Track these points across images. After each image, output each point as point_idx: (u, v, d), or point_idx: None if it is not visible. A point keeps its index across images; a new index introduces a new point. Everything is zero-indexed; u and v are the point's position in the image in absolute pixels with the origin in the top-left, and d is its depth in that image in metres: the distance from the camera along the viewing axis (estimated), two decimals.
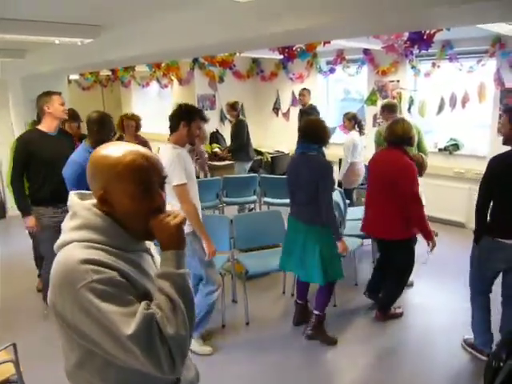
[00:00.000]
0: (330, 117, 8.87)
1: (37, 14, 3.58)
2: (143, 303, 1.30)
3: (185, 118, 3.41)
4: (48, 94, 3.97)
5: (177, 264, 1.37)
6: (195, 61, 8.56)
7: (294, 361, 3.72)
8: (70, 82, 9.04)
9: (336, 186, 5.78)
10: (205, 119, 3.54)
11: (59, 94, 4.02)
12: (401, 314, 4.31)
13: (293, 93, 9.07)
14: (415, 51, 6.78)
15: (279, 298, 4.72)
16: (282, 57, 6.98)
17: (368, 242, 5.27)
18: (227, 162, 8.15)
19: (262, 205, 6.78)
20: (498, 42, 6.11)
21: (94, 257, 1.29)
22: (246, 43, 3.68)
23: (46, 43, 4.60)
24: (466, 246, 3.48)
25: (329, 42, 4.66)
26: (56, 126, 4.05)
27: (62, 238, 1.40)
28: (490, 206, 3.34)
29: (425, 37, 3.72)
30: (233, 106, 7.23)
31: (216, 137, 9.19)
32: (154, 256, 1.59)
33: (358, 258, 5.28)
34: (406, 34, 4.02)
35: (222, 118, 9.50)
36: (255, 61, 9.51)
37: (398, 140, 3.88)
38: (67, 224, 1.42)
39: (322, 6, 2.57)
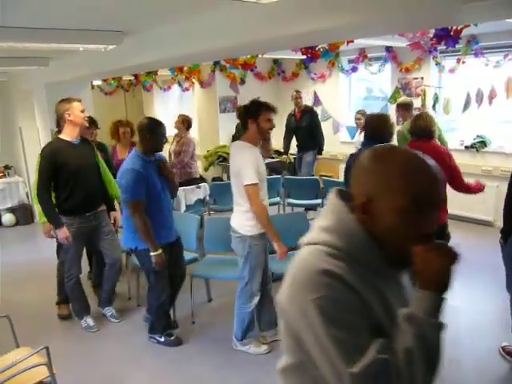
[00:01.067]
0: (352, 116, 8.80)
1: (61, 22, 3.61)
2: (378, 343, 1.10)
3: (251, 115, 3.37)
4: (68, 100, 3.88)
5: (432, 310, 1.14)
6: (216, 63, 8.58)
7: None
8: (92, 87, 9.13)
9: None
10: (272, 109, 3.39)
11: (79, 100, 3.97)
12: None
13: (315, 93, 9.02)
14: (440, 47, 6.76)
15: None
16: (303, 57, 6.96)
17: None
18: None
19: (286, 206, 6.73)
20: None
21: (335, 270, 1.13)
22: (268, 45, 3.66)
23: (69, 50, 4.65)
24: (495, 245, 3.39)
25: (352, 41, 4.60)
26: (78, 134, 3.96)
27: (310, 234, 1.26)
28: None
29: (452, 33, 3.64)
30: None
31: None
32: (405, 287, 1.34)
33: None
34: (432, 31, 3.95)
35: None
36: (276, 61, 9.49)
37: (422, 132, 3.93)
38: (319, 221, 1.27)
39: (346, 4, 2.54)
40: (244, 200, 3.38)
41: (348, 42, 4.58)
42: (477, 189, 4.09)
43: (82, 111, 3.88)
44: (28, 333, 3.69)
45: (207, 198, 6.30)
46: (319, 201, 6.28)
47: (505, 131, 6.83)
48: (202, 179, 6.61)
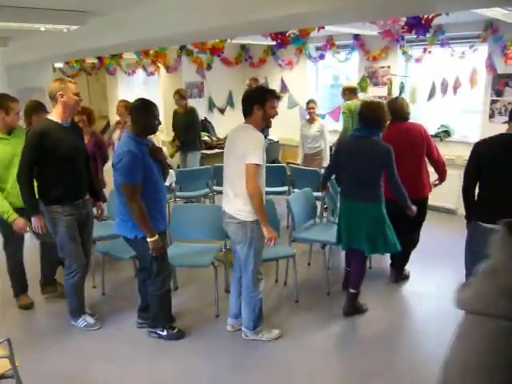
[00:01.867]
0: (320, 104, 8.81)
1: (22, 1, 3.44)
2: None
3: (257, 101, 3.35)
4: (62, 80, 3.61)
5: None
6: (182, 48, 8.42)
7: (284, 347, 3.69)
8: (54, 70, 8.85)
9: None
10: (278, 97, 3.45)
11: (74, 82, 3.69)
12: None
13: (282, 80, 8.99)
14: (407, 36, 6.81)
15: (272, 287, 4.68)
16: (270, 43, 6.90)
17: None
18: (217, 151, 8.07)
19: None
20: (490, 26, 6.07)
21: None
22: (238, 29, 3.59)
23: (30, 30, 4.46)
24: (458, 233, 3.48)
25: (323, 27, 4.57)
26: (68, 117, 3.69)
27: (475, 293, 1.02)
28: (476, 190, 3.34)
29: (423, 21, 3.65)
30: (182, 95, 7.04)
31: (205, 125, 9.09)
32: None
33: None
34: (403, 19, 3.96)
35: (211, 106, 9.39)
36: (244, 47, 9.39)
37: (399, 114, 4.31)
38: (488, 271, 1.01)
39: None
40: (240, 180, 3.34)
41: (319, 29, 4.55)
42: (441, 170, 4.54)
43: (77, 94, 3.63)
44: None
45: (173, 184, 6.20)
46: (285, 188, 6.30)
47: (468, 121, 6.96)
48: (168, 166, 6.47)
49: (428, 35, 6.52)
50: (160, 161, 3.56)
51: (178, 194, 6.34)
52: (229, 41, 6.95)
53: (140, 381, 3.38)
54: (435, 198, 6.74)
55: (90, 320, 4.01)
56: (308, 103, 6.70)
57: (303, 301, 4.39)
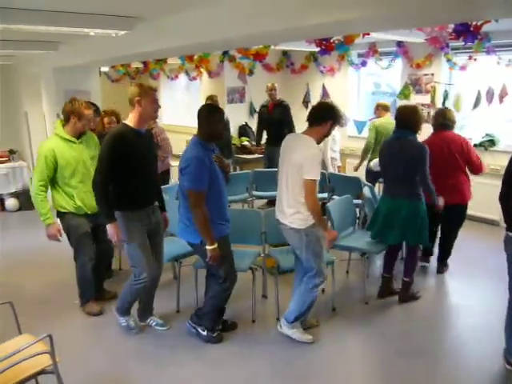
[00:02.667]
0: (361, 110, 8.75)
1: (72, 6, 3.55)
2: None
3: (333, 118, 3.49)
4: (142, 86, 3.54)
5: None
6: (225, 53, 8.51)
7: (321, 355, 3.66)
8: (100, 74, 9.08)
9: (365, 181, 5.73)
10: (341, 124, 3.65)
11: (155, 89, 3.69)
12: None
13: (323, 86, 8.95)
14: (451, 44, 6.68)
15: None
16: (313, 49, 6.90)
17: None
18: (256, 156, 8.10)
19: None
20: None
21: None
22: (282, 36, 3.60)
23: (79, 35, 4.59)
24: (501, 245, 3.36)
25: (368, 34, 4.53)
26: (144, 123, 3.64)
27: None
28: None
29: (471, 28, 3.57)
30: (214, 101, 7.10)
31: (245, 130, 9.15)
32: None
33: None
34: (451, 26, 3.88)
35: (252, 112, 9.44)
36: (285, 53, 9.42)
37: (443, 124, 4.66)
38: None
39: None
40: (298, 193, 3.43)
41: (364, 35, 4.51)
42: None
43: (156, 101, 3.57)
44: (31, 320, 3.69)
45: None
46: (325, 194, 6.20)
47: None
48: None
49: (473, 43, 6.42)
50: (223, 168, 3.58)
51: None
52: (271, 47, 6.98)
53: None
54: (478, 208, 6.60)
55: (132, 323, 4.01)
56: None
57: (340, 309, 4.35)
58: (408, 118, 4.12)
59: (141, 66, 10.77)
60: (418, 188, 4.15)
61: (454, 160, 4.64)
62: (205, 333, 3.82)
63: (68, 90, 6.30)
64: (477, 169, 4.75)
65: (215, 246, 3.43)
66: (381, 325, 4.12)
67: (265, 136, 7.52)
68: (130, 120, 3.56)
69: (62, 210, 4.10)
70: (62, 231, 4.12)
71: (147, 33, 4.08)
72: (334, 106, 3.60)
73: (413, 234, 4.21)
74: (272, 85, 7.23)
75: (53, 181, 4.03)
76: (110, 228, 3.58)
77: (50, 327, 2.89)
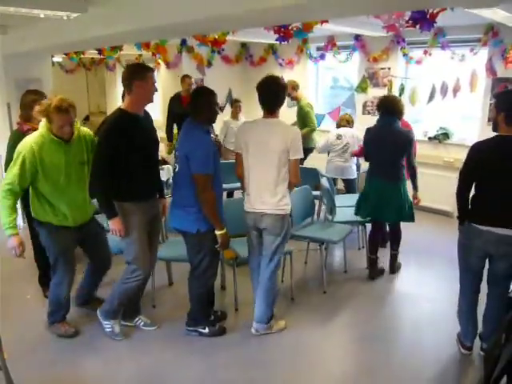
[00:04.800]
0: (320, 104, 8.80)
1: None
2: None
3: (283, 99, 3.56)
4: (142, 68, 3.32)
5: None
6: (183, 44, 8.39)
7: (282, 345, 3.66)
8: (53, 64, 8.79)
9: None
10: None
11: (152, 70, 3.43)
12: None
13: (282, 78, 8.93)
14: (407, 38, 6.81)
15: None
16: (272, 41, 6.86)
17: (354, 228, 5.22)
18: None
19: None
20: (491, 30, 6.07)
21: None
22: (242, 19, 3.54)
23: (30, 18, 4.41)
24: (454, 235, 3.44)
25: (326, 21, 4.54)
26: (143, 108, 3.39)
27: None
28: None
29: (428, 16, 3.63)
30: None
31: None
32: None
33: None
34: (408, 14, 3.94)
35: None
36: (244, 45, 9.37)
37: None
38: None
39: None
40: (282, 178, 3.43)
41: (322, 22, 4.52)
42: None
43: (153, 84, 3.34)
44: None
45: (170, 180, 6.15)
46: None
47: (467, 124, 6.96)
48: (164, 162, 6.44)
49: (428, 37, 6.56)
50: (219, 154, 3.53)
51: None
52: (229, 38, 6.90)
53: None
54: (431, 199, 6.75)
55: (117, 329, 3.71)
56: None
57: (299, 299, 4.35)
58: (393, 107, 4.49)
59: (96, 56, 10.49)
60: (402, 170, 4.56)
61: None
62: (206, 330, 3.73)
63: (18, 79, 6.07)
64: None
65: (224, 230, 3.39)
66: (339, 313, 4.16)
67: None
68: (126, 105, 3.31)
69: (41, 220, 3.49)
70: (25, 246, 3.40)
71: (100, 16, 3.94)
72: (282, 84, 3.58)
73: (403, 212, 4.61)
74: (190, 78, 7.11)
75: (33, 185, 3.40)
76: (112, 223, 3.33)
77: None
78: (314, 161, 6.58)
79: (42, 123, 3.35)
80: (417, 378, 3.28)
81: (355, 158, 6.06)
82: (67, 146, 3.37)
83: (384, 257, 5.02)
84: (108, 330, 3.70)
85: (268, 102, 3.49)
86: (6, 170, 4.30)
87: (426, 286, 4.70)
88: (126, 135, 3.23)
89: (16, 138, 3.93)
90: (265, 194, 3.48)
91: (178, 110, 6.94)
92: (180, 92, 7.13)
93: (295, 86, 6.61)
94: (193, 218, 3.36)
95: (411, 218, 4.70)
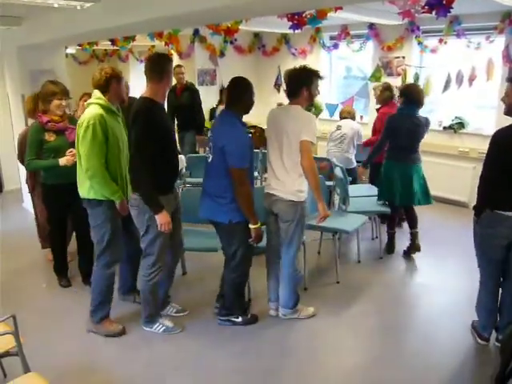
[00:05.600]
0: (333, 94, 8.75)
1: None
2: None
3: (305, 82, 3.41)
4: (169, 58, 3.36)
5: None
6: (196, 34, 8.37)
7: (296, 335, 3.68)
8: (66, 56, 8.82)
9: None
10: (321, 78, 3.52)
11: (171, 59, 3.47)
12: None
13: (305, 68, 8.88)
14: (422, 27, 6.72)
15: None
16: (285, 31, 6.82)
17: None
18: None
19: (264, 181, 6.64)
20: (508, 17, 5.98)
21: None
22: (256, 7, 3.50)
23: (43, 9, 4.42)
24: (469, 226, 3.39)
25: (341, 8, 4.49)
26: (164, 97, 3.40)
27: None
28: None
29: (444, 1, 3.57)
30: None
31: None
32: None
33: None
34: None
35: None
36: (257, 35, 9.32)
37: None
38: None
39: None
40: (296, 163, 3.40)
41: (336, 9, 4.47)
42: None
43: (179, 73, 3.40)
44: None
45: (184, 170, 6.17)
46: None
47: (483, 113, 6.87)
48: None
49: (443, 26, 6.47)
50: None
51: (188, 179, 6.29)
52: (242, 28, 6.86)
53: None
54: (447, 190, 6.70)
55: (169, 323, 3.69)
56: None
57: (313, 289, 4.35)
58: (418, 96, 4.73)
59: (109, 47, 10.50)
60: (419, 153, 4.88)
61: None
62: (240, 319, 3.76)
63: (33, 70, 6.10)
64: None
65: (259, 224, 3.40)
66: (352, 303, 4.14)
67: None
68: (153, 94, 3.25)
69: (99, 198, 3.40)
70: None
71: (114, 5, 3.93)
72: (299, 70, 3.49)
73: (428, 192, 4.96)
74: (179, 68, 6.93)
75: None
76: (161, 217, 3.23)
77: (15, 309, 2.76)
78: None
79: (96, 95, 3.35)
80: (431, 368, 3.26)
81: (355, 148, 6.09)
82: (118, 117, 3.48)
83: (399, 239, 5.16)
84: (162, 329, 3.65)
85: (287, 90, 3.54)
86: (22, 161, 4.36)
87: (442, 277, 4.67)
88: (161, 126, 3.24)
89: (36, 130, 3.96)
90: (278, 177, 3.50)
91: (173, 102, 6.92)
92: (176, 84, 6.97)
93: None
94: (225, 209, 3.37)
95: (431, 199, 5.01)
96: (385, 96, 5.74)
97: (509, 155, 3.06)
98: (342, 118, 6.22)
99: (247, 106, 3.41)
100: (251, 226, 3.37)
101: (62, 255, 4.42)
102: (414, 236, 5.02)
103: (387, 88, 5.76)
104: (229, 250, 3.54)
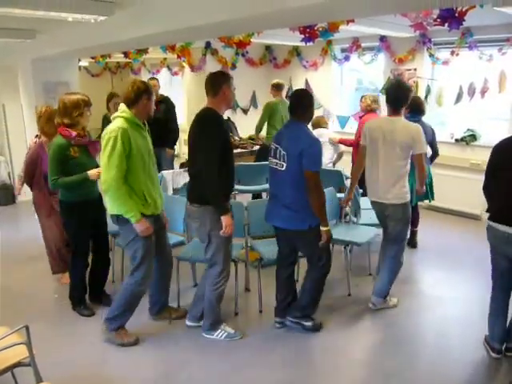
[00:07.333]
0: (344, 106, 8.76)
1: None
2: None
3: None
4: (227, 75, 3.53)
5: None
6: (207, 47, 8.43)
7: (307, 347, 3.65)
8: (79, 68, 8.93)
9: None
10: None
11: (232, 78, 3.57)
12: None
13: (306, 81, 8.92)
14: (434, 39, 6.72)
15: None
16: (296, 43, 6.85)
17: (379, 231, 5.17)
18: (240, 150, 8.04)
19: None
20: None
21: None
22: (268, 20, 3.53)
23: (57, 22, 4.48)
24: (482, 239, 3.38)
25: (353, 21, 4.51)
26: (225, 110, 3.56)
27: None
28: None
29: (456, 14, 3.57)
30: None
31: (228, 125, 9.07)
32: None
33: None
34: (436, 12, 3.89)
35: (235, 106, 9.36)
36: (268, 48, 9.38)
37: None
38: None
39: None
40: (402, 168, 3.83)
41: (348, 22, 4.49)
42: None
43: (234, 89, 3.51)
44: (9, 313, 3.64)
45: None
46: None
47: (495, 125, 6.82)
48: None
49: (455, 38, 6.47)
50: None
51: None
52: (254, 40, 6.91)
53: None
54: (459, 202, 6.64)
55: (230, 330, 3.75)
56: None
57: (324, 300, 4.29)
58: (421, 106, 5.23)
59: (121, 59, 10.62)
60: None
61: None
62: (310, 323, 3.82)
63: (46, 82, 6.19)
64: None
65: (329, 227, 3.52)
66: (364, 316, 4.11)
67: None
68: (214, 105, 3.42)
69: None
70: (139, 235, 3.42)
71: (128, 19, 4.00)
72: (407, 88, 4.06)
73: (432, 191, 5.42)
74: (154, 80, 6.76)
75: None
76: (226, 219, 3.36)
77: (27, 320, 2.77)
78: None
79: (122, 109, 3.37)
80: (444, 382, 3.21)
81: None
82: (144, 131, 3.51)
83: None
84: (224, 336, 3.71)
85: (390, 102, 3.89)
86: (29, 184, 4.38)
87: (453, 290, 4.62)
88: (227, 133, 3.58)
89: (61, 146, 3.74)
90: (388, 184, 3.88)
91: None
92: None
93: (276, 86, 6.87)
94: (302, 216, 3.47)
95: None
96: (372, 107, 5.99)
97: (496, 157, 3.18)
98: (315, 128, 6.41)
99: (311, 116, 3.62)
100: (323, 229, 3.47)
101: (82, 282, 4.15)
102: (413, 234, 5.52)
103: (376, 101, 6.06)
104: (313, 253, 3.65)
